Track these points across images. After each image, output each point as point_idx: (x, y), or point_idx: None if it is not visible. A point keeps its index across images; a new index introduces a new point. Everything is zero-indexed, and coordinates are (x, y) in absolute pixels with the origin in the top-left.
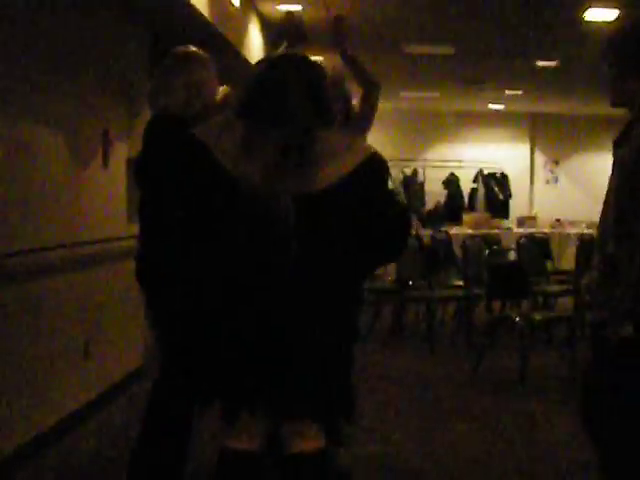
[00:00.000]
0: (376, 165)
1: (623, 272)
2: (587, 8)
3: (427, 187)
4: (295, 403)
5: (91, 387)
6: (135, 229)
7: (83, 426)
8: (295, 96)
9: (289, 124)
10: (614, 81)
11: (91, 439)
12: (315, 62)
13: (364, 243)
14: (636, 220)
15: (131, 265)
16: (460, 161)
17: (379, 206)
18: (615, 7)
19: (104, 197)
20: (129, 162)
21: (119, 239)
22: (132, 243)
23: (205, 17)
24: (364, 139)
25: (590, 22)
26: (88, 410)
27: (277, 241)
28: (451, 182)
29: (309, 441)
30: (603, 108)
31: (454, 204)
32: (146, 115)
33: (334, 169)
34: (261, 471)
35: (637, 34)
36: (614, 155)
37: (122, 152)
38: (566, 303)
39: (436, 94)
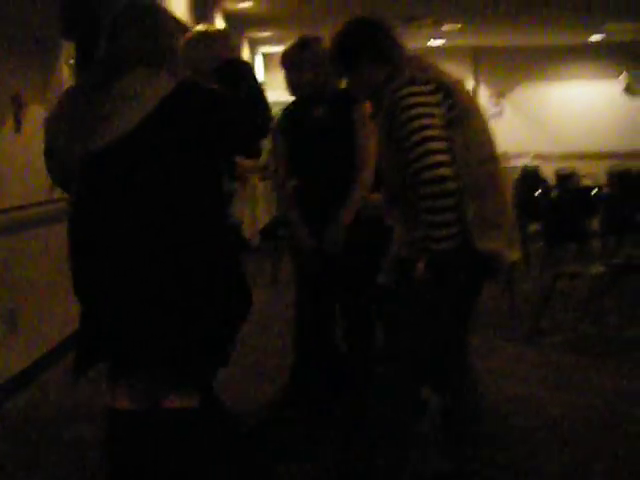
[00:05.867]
0: (188, 92)
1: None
2: None
3: None
4: (145, 352)
5: (20, 358)
6: (56, 193)
7: (14, 398)
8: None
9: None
10: (352, 84)
11: (23, 410)
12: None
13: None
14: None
15: (55, 229)
16: None
17: (217, 124)
18: None
19: (20, 163)
20: None
21: (40, 204)
22: (54, 208)
23: None
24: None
25: None
26: (20, 380)
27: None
28: None
29: (180, 399)
30: (544, 39)
31: None
32: (61, 77)
33: (126, 118)
34: (145, 429)
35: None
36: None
37: (37, 116)
38: None
39: None
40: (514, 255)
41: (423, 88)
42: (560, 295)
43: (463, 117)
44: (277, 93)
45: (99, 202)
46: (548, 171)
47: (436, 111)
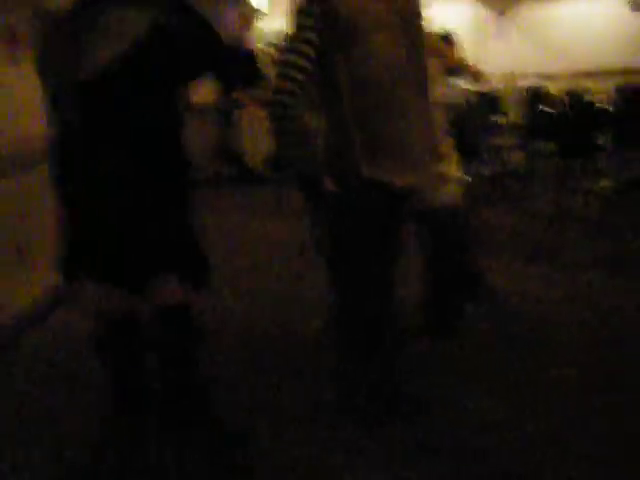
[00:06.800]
0: (161, 33)
1: None
2: None
3: None
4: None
5: (29, 292)
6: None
7: (24, 335)
8: None
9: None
10: None
11: (33, 342)
12: None
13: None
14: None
15: None
16: None
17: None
18: None
19: (18, 99)
20: None
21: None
22: None
23: None
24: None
25: None
26: (30, 314)
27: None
28: None
29: (172, 295)
30: None
31: None
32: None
33: (106, 51)
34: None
35: None
36: None
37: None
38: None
39: None
40: (420, 182)
41: (314, 8)
42: (568, 213)
43: (351, 39)
44: (281, 21)
45: (88, 122)
46: (555, 90)
47: (308, 35)
